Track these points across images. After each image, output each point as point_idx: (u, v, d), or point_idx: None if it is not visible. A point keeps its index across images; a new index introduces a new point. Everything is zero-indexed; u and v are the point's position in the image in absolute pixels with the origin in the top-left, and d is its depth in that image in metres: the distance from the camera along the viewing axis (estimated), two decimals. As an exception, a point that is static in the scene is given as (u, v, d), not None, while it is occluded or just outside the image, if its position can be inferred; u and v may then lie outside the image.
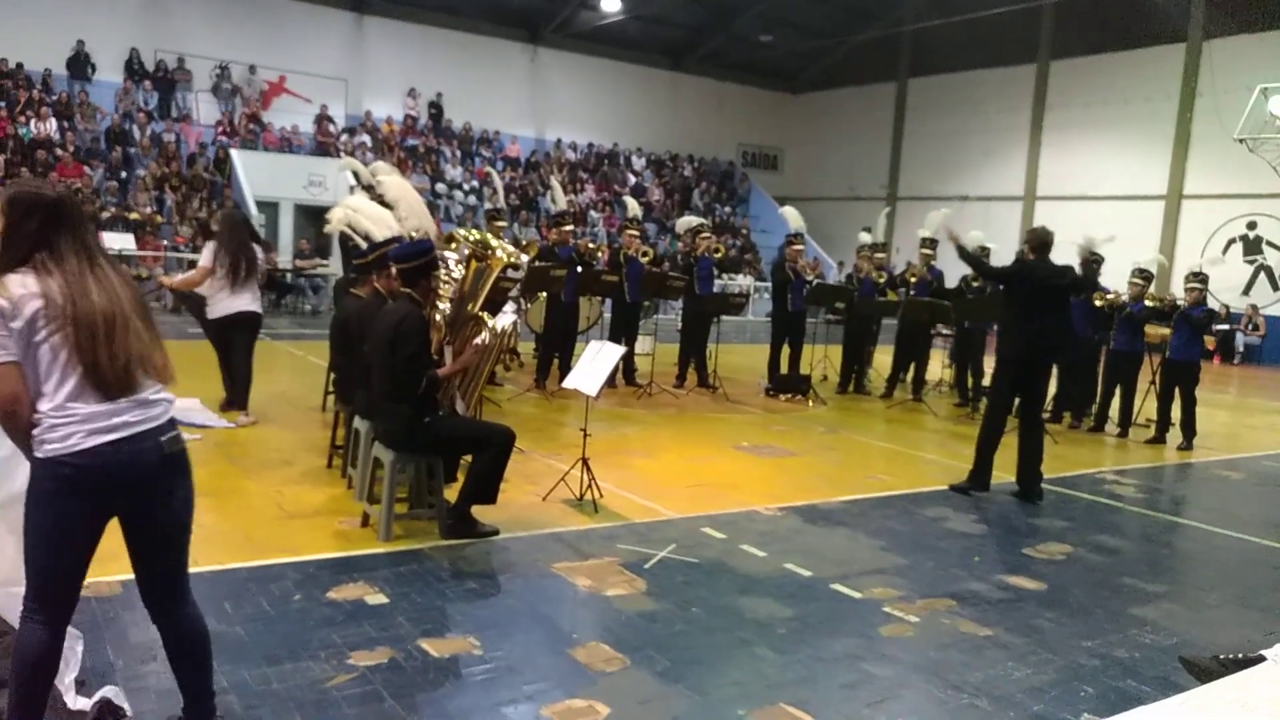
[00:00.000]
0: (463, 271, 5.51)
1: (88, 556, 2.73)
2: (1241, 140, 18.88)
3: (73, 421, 2.60)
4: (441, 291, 5.35)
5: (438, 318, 5.35)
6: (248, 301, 7.68)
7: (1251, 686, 2.16)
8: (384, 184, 6.70)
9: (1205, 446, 9.54)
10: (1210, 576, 5.56)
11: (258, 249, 7.84)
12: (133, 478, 2.69)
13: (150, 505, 2.76)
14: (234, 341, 7.75)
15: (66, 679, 3.06)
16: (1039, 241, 6.95)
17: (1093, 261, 9.99)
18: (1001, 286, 7.43)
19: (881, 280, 11.89)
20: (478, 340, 5.34)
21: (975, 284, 11.05)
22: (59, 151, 18.36)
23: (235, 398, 7.80)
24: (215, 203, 18.91)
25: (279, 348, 12.83)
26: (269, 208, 19.68)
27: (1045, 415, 10.03)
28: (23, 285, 2.55)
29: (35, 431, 2.60)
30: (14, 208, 2.61)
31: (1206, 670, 3.41)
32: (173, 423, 2.81)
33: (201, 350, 12.05)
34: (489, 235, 5.77)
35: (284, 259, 18.29)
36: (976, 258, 6.97)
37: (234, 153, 20.02)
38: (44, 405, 2.60)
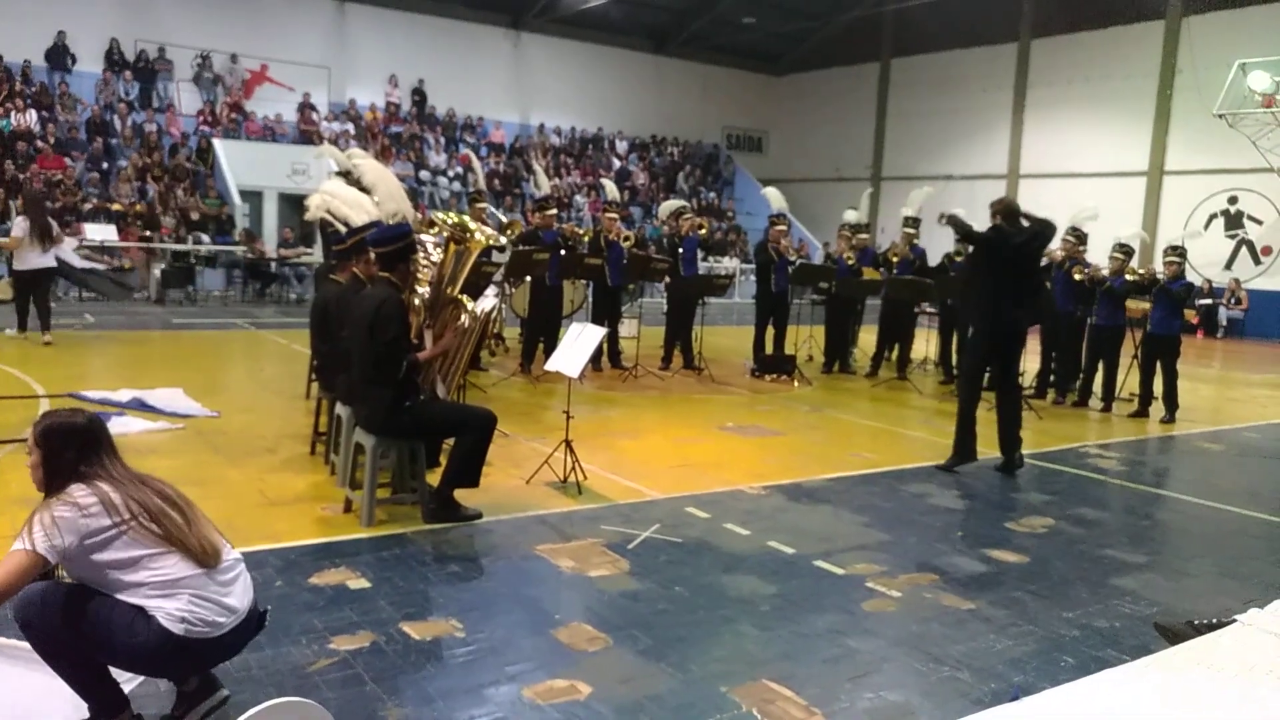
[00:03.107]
0: (441, 255, 5.49)
1: None
2: (1221, 115, 18.90)
3: (195, 603, 2.79)
4: (420, 275, 5.33)
5: (416, 301, 5.33)
6: (50, 259, 10.65)
7: (1219, 647, 2.17)
8: (360, 168, 6.66)
9: (1188, 419, 9.59)
10: (1191, 546, 5.60)
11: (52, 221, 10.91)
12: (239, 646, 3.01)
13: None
14: (40, 286, 10.69)
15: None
16: (1009, 210, 6.88)
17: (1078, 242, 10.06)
18: (972, 248, 7.37)
19: (851, 261, 11.83)
20: (458, 323, 5.33)
21: (958, 259, 11.06)
22: (39, 143, 18.23)
23: (43, 323, 10.62)
24: (198, 193, 18.81)
25: (263, 336, 12.78)
26: (253, 197, 19.58)
27: (1029, 391, 10.10)
28: (82, 491, 2.75)
29: (160, 604, 2.75)
30: (50, 440, 2.82)
31: (1180, 635, 3.43)
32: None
33: (186, 340, 12.03)
34: (467, 218, 5.73)
35: (269, 248, 18.20)
36: (965, 226, 6.93)
37: (216, 142, 19.91)
38: (145, 578, 2.75)
